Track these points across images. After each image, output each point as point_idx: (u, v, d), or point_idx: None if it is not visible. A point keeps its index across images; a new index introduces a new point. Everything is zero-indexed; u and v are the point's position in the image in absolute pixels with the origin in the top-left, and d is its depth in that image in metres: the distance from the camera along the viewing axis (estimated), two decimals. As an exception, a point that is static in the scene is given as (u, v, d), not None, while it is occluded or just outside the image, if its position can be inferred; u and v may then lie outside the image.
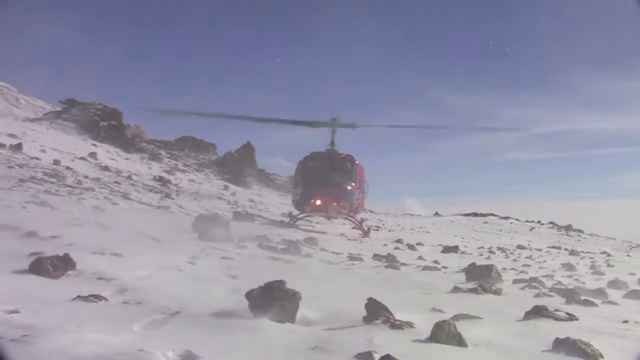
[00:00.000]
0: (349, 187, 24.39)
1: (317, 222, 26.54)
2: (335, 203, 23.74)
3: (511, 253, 22.14)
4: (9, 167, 21.89)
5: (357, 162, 25.23)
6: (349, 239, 20.60)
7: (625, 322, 6.86)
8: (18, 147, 28.56)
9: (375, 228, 28.71)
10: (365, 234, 23.55)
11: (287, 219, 24.73)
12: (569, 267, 16.52)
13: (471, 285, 9.56)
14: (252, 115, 26.75)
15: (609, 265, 19.14)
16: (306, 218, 25.52)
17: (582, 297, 8.82)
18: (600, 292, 9.79)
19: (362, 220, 25.94)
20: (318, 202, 23.57)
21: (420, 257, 15.46)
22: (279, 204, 38.12)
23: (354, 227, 24.80)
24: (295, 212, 25.31)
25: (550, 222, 52.19)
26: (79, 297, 5.35)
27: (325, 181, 23.70)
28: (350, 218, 25.17)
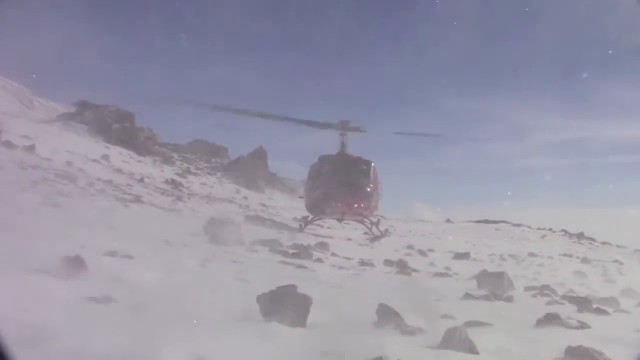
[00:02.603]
0: (368, 189, 24.12)
1: (328, 227, 26.48)
2: (356, 205, 23.51)
3: (523, 260, 22.07)
4: (22, 168, 21.90)
5: (372, 164, 25.06)
6: (360, 244, 20.55)
7: (638, 331, 6.81)
8: (31, 149, 28.60)
9: (387, 234, 28.65)
10: (377, 238, 23.45)
11: (300, 223, 24.56)
12: (580, 275, 16.46)
13: (482, 292, 9.54)
14: (269, 112, 26.67)
15: (620, 274, 19.04)
16: (318, 222, 25.39)
17: (594, 305, 8.77)
18: (612, 301, 9.74)
19: (378, 222, 25.86)
20: (339, 205, 23.27)
21: (431, 264, 15.45)
22: (291, 208, 38.04)
23: (365, 232, 24.69)
24: (310, 216, 25.08)
25: (562, 230, 51.75)
26: (89, 298, 5.36)
27: (345, 183, 23.35)
28: (364, 221, 25.02)
